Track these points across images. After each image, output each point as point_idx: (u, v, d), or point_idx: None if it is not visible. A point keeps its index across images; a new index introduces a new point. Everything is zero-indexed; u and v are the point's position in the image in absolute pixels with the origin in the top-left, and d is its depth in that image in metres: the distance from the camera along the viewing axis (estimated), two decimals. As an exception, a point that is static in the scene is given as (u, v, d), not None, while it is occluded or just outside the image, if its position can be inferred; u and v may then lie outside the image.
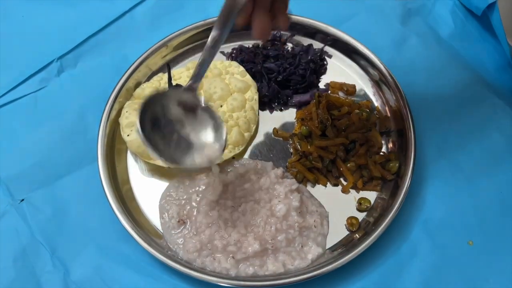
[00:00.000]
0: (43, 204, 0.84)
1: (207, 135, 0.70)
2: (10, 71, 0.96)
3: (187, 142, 0.69)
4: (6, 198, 0.84)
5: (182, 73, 0.92)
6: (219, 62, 0.95)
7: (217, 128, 0.70)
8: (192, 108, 0.70)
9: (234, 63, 0.94)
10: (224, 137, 0.69)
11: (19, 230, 0.82)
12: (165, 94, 0.70)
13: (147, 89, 0.90)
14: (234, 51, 0.98)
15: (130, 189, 0.85)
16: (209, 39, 0.66)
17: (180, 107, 0.70)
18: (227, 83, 0.91)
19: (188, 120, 0.70)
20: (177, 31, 0.95)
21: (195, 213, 0.80)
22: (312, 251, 0.78)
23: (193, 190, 0.83)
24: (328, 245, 0.80)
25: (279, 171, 0.84)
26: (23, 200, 0.84)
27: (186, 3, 1.05)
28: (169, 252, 0.78)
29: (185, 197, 0.83)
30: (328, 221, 0.82)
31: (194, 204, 0.81)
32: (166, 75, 0.90)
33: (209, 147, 0.70)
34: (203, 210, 0.80)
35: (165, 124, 0.68)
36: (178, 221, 0.80)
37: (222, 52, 0.98)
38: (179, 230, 0.80)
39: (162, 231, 0.81)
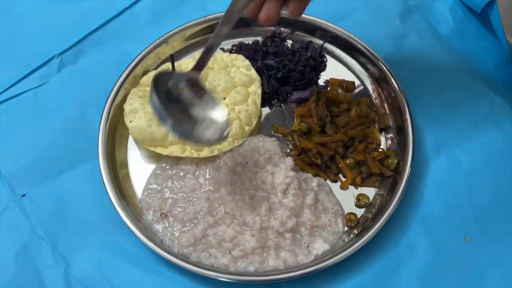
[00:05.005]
0: (44, 199, 0.84)
1: (213, 113, 0.71)
2: (10, 67, 0.96)
3: (195, 120, 0.70)
4: (7, 194, 0.85)
5: (189, 64, 0.93)
6: (226, 55, 0.95)
7: (220, 108, 0.71)
8: (197, 89, 0.71)
9: (240, 57, 0.94)
10: (227, 116, 0.71)
11: (20, 225, 0.82)
12: (173, 73, 0.73)
13: None
14: (234, 48, 0.98)
15: (129, 181, 0.85)
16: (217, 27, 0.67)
17: (187, 86, 0.71)
18: (232, 76, 0.91)
19: (195, 99, 0.71)
20: (191, 21, 0.95)
21: (180, 207, 0.80)
22: (318, 247, 0.78)
23: (174, 172, 0.83)
24: (326, 241, 0.81)
25: (289, 160, 0.83)
26: (24, 195, 0.85)
27: (186, -1, 1.05)
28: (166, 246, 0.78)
29: (164, 184, 0.83)
30: (344, 219, 0.81)
31: (176, 196, 0.81)
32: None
33: (217, 123, 0.70)
34: (189, 203, 0.80)
35: (175, 99, 0.70)
36: (160, 215, 0.80)
37: (222, 49, 0.98)
38: (167, 225, 0.80)
39: (149, 226, 0.80)
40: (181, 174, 0.83)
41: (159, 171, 0.85)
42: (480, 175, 0.86)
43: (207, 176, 0.82)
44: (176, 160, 0.85)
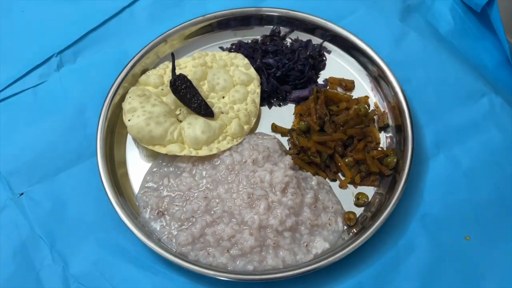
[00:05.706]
0: (43, 198, 0.84)
1: None
2: (9, 66, 0.96)
3: None
4: (6, 192, 0.85)
5: (187, 62, 0.93)
6: (225, 54, 0.95)
7: None
8: None
9: (240, 55, 0.94)
10: None
11: (18, 224, 0.82)
12: None
13: (152, 77, 0.90)
14: (233, 46, 0.98)
15: (128, 179, 0.85)
16: None
17: None
18: (231, 75, 0.91)
19: None
20: (190, 20, 0.95)
21: (177, 205, 0.80)
22: (317, 246, 0.77)
23: (170, 169, 0.83)
24: (326, 240, 0.80)
25: (287, 158, 0.83)
26: (22, 194, 0.85)
27: (185, -2, 1.05)
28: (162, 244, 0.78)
29: (160, 182, 0.83)
30: (343, 218, 0.81)
31: (173, 194, 0.80)
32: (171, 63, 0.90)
33: None
34: (186, 201, 0.79)
35: None
36: (157, 213, 0.80)
37: (221, 48, 0.98)
38: (164, 224, 0.80)
39: (146, 224, 0.80)
40: (178, 172, 0.83)
41: (155, 169, 0.85)
42: (480, 174, 0.86)
43: (204, 175, 0.82)
44: (173, 157, 0.85)
